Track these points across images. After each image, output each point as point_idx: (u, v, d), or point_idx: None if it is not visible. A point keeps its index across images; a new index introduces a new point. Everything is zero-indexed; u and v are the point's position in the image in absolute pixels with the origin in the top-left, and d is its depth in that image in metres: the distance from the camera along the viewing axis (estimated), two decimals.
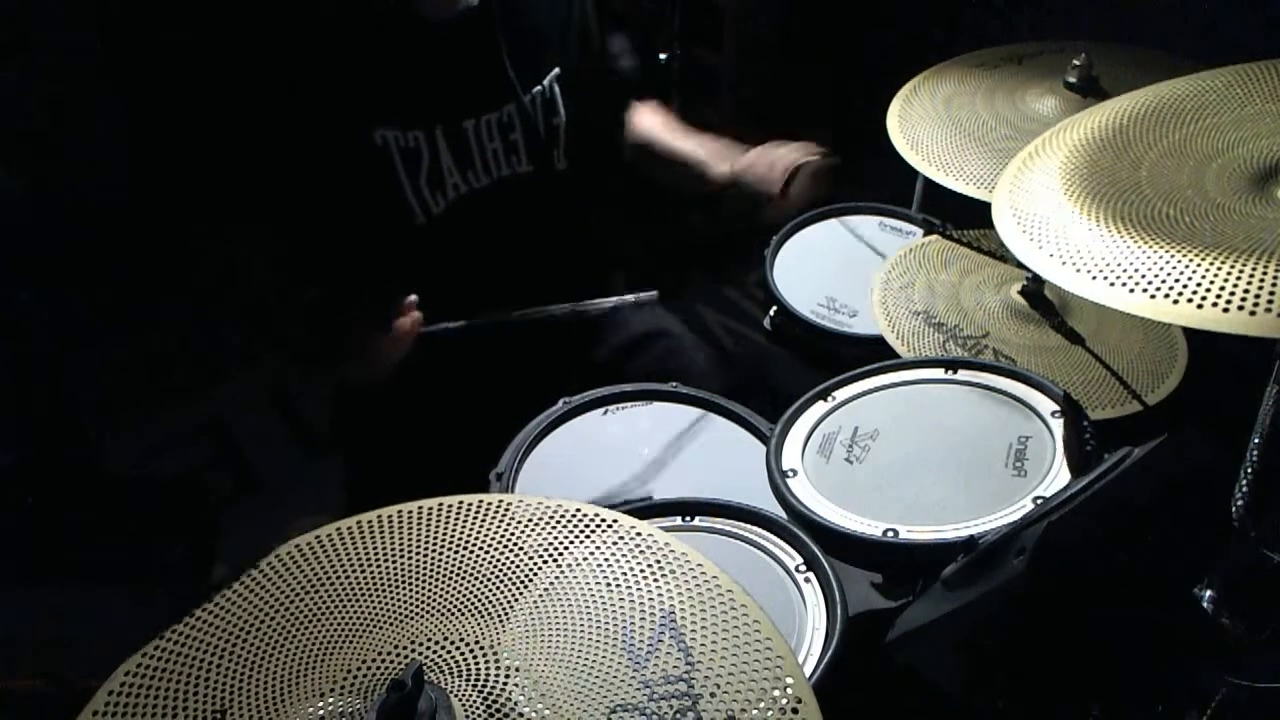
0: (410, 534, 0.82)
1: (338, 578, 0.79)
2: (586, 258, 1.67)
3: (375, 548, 0.81)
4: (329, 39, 1.28)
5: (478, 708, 0.67)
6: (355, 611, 0.76)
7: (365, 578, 0.79)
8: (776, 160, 1.49)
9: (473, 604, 0.76)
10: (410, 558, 0.80)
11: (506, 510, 0.83)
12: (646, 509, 1.08)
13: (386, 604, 0.77)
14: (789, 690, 0.66)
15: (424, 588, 0.78)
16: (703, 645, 0.70)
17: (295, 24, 1.27)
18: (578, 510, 0.82)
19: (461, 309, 1.46)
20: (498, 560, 0.79)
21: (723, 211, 1.56)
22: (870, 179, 1.75)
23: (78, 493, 2.32)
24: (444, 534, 0.81)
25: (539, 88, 1.42)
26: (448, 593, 0.77)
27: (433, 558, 0.80)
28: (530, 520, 0.82)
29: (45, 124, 2.69)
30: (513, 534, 0.81)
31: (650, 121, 1.65)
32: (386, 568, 0.79)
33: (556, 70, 1.44)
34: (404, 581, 0.78)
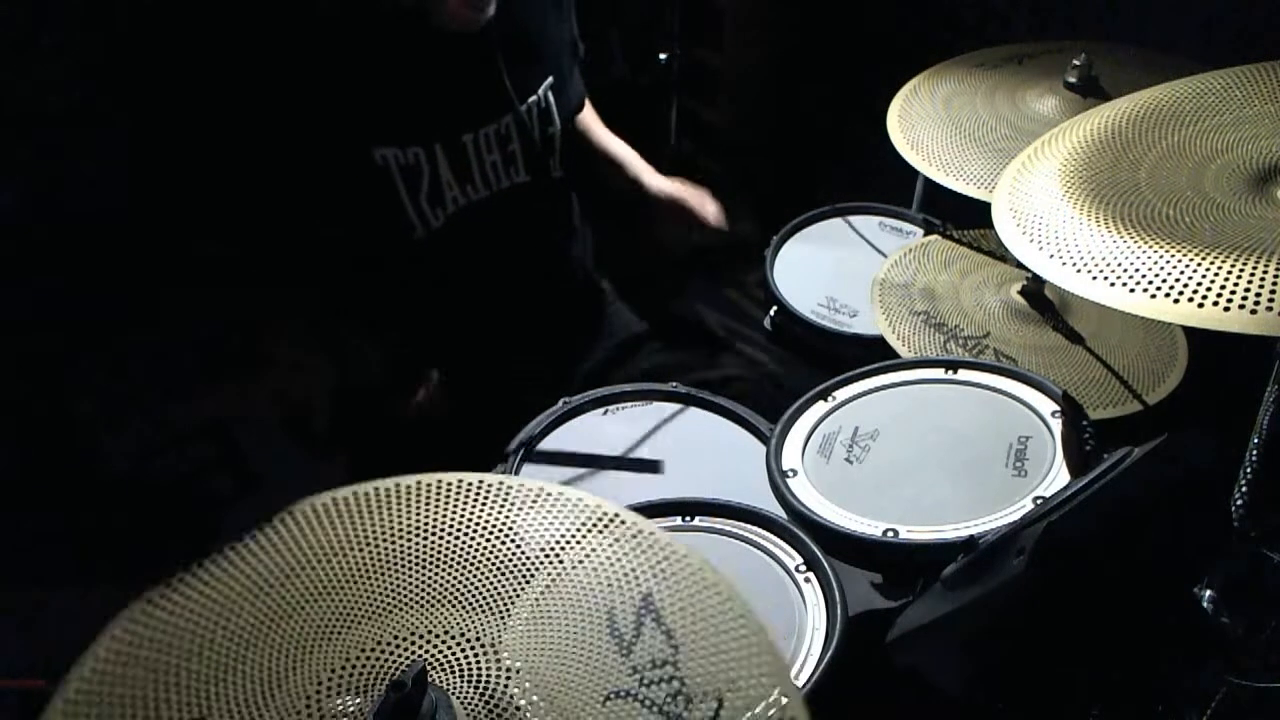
0: (407, 514, 0.79)
1: (329, 559, 0.75)
2: (584, 263, 1.67)
3: (370, 527, 0.77)
4: (329, 59, 1.27)
5: (475, 703, 0.67)
6: (348, 599, 0.73)
7: (358, 560, 0.75)
8: (703, 195, 1.60)
9: (471, 599, 0.75)
10: (408, 540, 0.77)
11: (506, 494, 0.82)
12: (647, 509, 1.08)
13: (382, 591, 0.74)
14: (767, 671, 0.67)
15: (422, 573, 0.75)
16: (683, 627, 0.70)
17: (295, 44, 1.26)
18: (577, 500, 0.81)
19: (463, 315, 1.46)
20: (496, 551, 0.78)
21: (660, 232, 1.62)
22: (870, 179, 1.75)
23: (78, 493, 2.32)
24: (443, 515, 0.79)
25: (534, 98, 1.42)
26: (445, 581, 0.75)
27: (431, 542, 0.77)
28: (527, 506, 0.81)
29: (46, 127, 2.69)
30: (511, 523, 0.79)
31: (584, 112, 1.66)
32: (382, 550, 0.76)
33: (550, 79, 1.44)
34: (401, 566, 0.76)
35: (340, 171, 1.31)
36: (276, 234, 1.39)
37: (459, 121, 1.36)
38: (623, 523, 0.78)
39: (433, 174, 1.35)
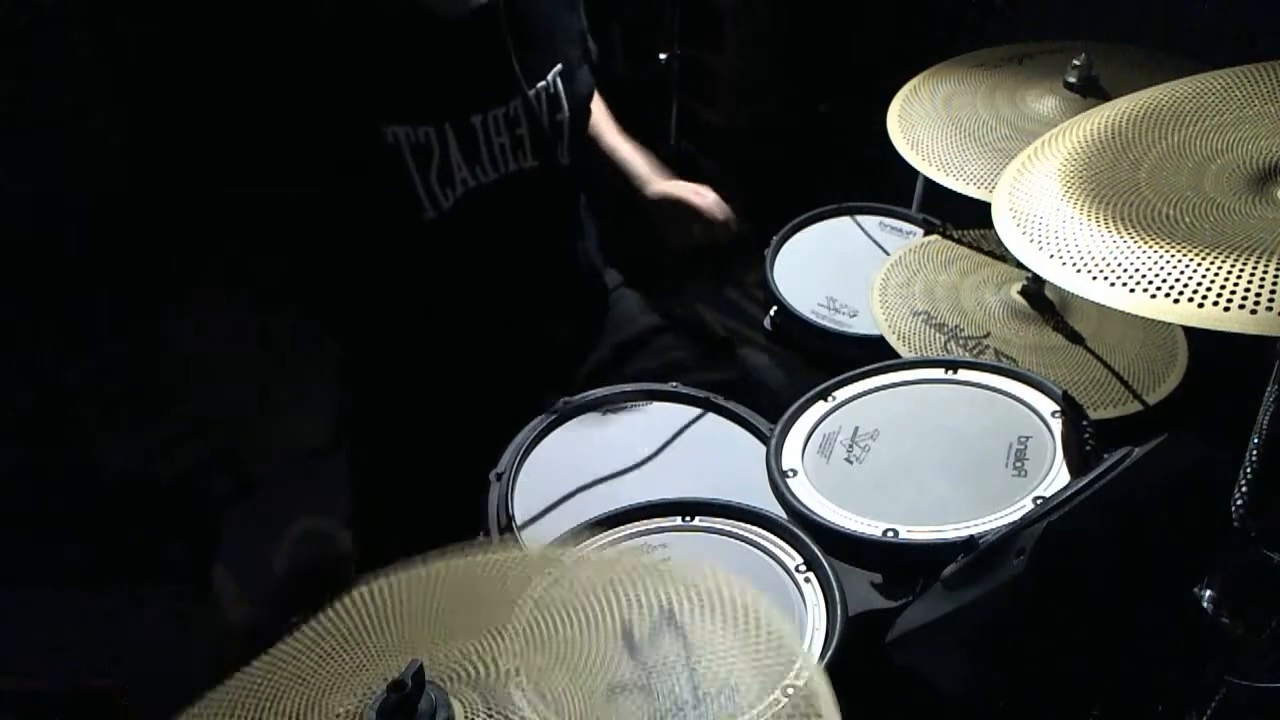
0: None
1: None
2: (589, 254, 1.67)
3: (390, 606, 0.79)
4: (338, 37, 1.28)
5: (476, 705, 0.67)
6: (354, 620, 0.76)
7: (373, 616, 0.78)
8: (702, 189, 1.63)
9: (473, 608, 0.75)
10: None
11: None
12: (647, 509, 1.08)
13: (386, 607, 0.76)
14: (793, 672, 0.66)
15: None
16: (702, 635, 0.70)
17: (304, 22, 1.27)
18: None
19: (467, 303, 1.47)
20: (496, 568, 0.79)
21: (664, 234, 1.68)
22: (870, 179, 1.75)
23: (78, 493, 2.32)
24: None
25: (543, 83, 1.43)
26: (449, 604, 0.76)
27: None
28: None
29: (45, 123, 2.69)
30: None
31: (596, 111, 1.67)
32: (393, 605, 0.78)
33: (559, 66, 1.45)
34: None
35: (352, 149, 1.32)
36: (289, 224, 1.40)
37: (468, 102, 1.37)
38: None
39: (442, 153, 1.36)
